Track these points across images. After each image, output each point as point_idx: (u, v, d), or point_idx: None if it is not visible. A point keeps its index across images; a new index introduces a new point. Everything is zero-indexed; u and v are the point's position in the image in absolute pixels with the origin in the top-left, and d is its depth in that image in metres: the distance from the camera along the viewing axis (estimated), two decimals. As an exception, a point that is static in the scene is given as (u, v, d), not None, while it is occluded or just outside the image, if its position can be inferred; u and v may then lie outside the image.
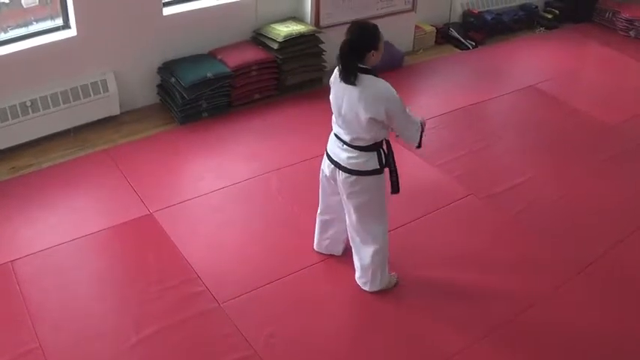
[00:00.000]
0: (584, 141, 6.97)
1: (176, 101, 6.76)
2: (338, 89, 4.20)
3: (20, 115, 6.07)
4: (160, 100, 7.12)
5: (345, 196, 4.46)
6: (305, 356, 4.32)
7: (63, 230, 5.24)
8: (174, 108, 6.82)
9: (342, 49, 4.10)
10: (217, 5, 7.20)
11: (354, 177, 4.30)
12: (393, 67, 8.29)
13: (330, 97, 4.30)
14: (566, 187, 6.15)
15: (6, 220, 5.31)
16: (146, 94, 7.06)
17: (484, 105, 7.63)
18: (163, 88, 7.02)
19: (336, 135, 4.36)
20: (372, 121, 4.09)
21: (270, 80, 7.38)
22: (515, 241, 5.43)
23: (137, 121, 6.84)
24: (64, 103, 6.31)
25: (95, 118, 6.62)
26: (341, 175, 4.36)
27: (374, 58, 4.08)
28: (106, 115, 6.70)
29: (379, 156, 4.29)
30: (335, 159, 4.36)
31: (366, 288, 4.76)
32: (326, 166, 4.51)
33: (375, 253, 4.57)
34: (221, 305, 4.62)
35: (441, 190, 6.01)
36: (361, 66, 4.06)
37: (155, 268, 4.95)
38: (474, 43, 9.24)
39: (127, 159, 6.17)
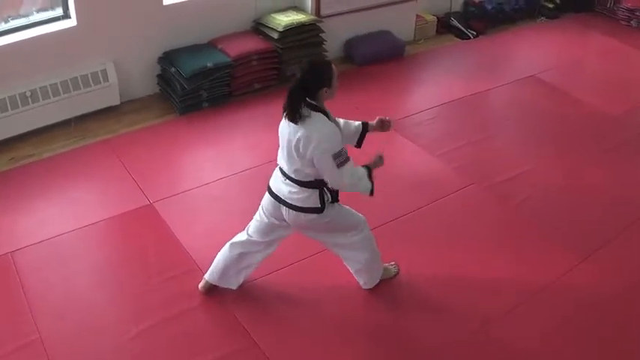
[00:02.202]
0: (586, 131, 6.95)
1: (176, 91, 6.75)
2: (284, 123, 4.04)
3: (20, 105, 6.06)
4: (160, 90, 7.11)
5: (305, 233, 4.40)
6: (304, 346, 4.32)
7: (63, 221, 5.24)
8: (175, 98, 6.80)
9: (291, 86, 3.92)
10: (217, -6, 7.19)
11: (299, 213, 4.15)
12: (394, 56, 8.29)
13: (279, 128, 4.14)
14: (567, 176, 6.14)
15: (6, 211, 5.31)
16: (146, 84, 7.05)
17: (485, 95, 7.61)
18: (163, 78, 7.00)
19: (280, 169, 4.22)
20: (308, 161, 3.97)
21: (271, 70, 7.36)
22: (516, 231, 5.42)
23: (137, 111, 6.83)
24: (64, 93, 6.29)
25: (95, 109, 6.62)
26: (285, 211, 4.19)
27: (327, 94, 3.92)
28: (106, 105, 6.69)
29: (321, 194, 4.11)
30: (277, 193, 4.18)
31: (367, 287, 4.73)
32: (267, 202, 4.31)
33: (363, 259, 4.53)
34: (221, 296, 4.61)
35: (441, 180, 5.99)
36: (311, 102, 3.89)
37: (155, 258, 4.95)
38: (475, 33, 9.21)
39: (127, 149, 6.17)
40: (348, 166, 3.95)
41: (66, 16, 6.32)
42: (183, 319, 4.43)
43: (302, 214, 4.13)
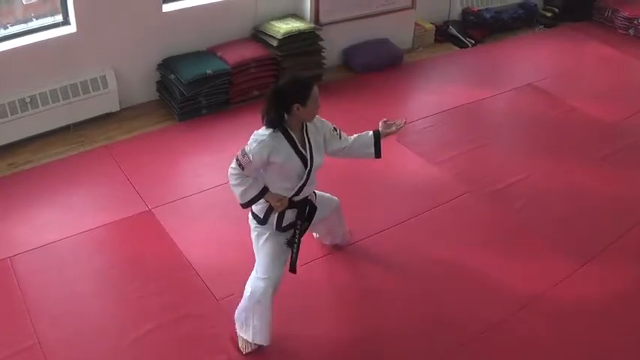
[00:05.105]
0: (583, 138, 6.98)
1: (175, 98, 6.76)
2: None
3: (19, 111, 6.08)
4: (160, 96, 7.12)
5: None
6: (306, 353, 4.33)
7: (62, 226, 5.25)
8: (174, 104, 6.82)
9: (267, 93, 3.90)
10: (217, 2, 7.19)
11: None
12: (392, 64, 8.31)
13: None
14: (565, 183, 6.16)
15: (5, 216, 5.32)
16: (145, 91, 7.06)
17: (483, 103, 7.63)
18: (163, 85, 7.02)
19: None
20: None
21: (270, 77, 7.36)
22: (514, 238, 5.44)
23: (136, 117, 6.84)
24: (63, 99, 6.31)
25: (95, 115, 6.63)
26: None
27: (299, 112, 3.80)
28: (106, 111, 6.71)
29: (269, 209, 4.11)
30: None
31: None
32: None
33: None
34: (219, 302, 4.63)
35: (440, 187, 6.01)
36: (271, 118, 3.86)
37: (153, 264, 4.96)
38: (473, 41, 9.24)
39: (126, 155, 6.18)
40: (241, 166, 3.92)
41: (66, 22, 6.34)
42: (181, 325, 4.43)
43: (250, 215, 4.25)
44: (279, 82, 3.90)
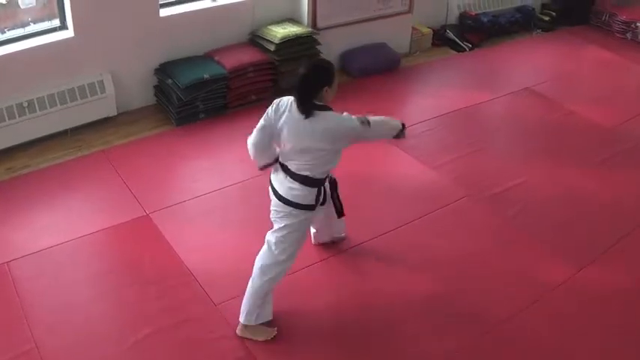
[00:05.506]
0: (581, 143, 6.98)
1: (173, 102, 6.76)
2: (292, 122, 4.05)
3: (17, 115, 6.07)
4: (157, 101, 7.11)
5: (273, 215, 4.37)
6: (303, 358, 4.32)
7: (59, 231, 5.23)
8: (171, 109, 6.81)
9: (296, 83, 4.01)
10: (214, 6, 7.20)
11: (288, 207, 4.22)
12: (389, 68, 8.31)
13: (283, 130, 4.12)
14: (562, 188, 6.16)
15: (2, 221, 5.31)
16: (143, 96, 7.05)
17: (481, 107, 7.64)
18: (160, 90, 7.01)
19: (281, 165, 4.26)
20: (331, 151, 4.09)
21: (267, 82, 7.37)
22: (512, 242, 5.44)
23: (134, 122, 6.83)
24: (61, 104, 6.30)
25: (92, 119, 6.62)
26: (275, 202, 4.29)
27: (327, 94, 4.02)
28: (103, 116, 6.70)
29: (318, 193, 4.21)
30: (277, 189, 4.27)
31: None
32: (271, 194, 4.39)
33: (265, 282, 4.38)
34: (217, 306, 4.62)
35: (438, 191, 6.00)
36: (316, 102, 3.98)
37: (151, 269, 4.94)
38: (470, 45, 9.25)
39: (124, 160, 6.16)
40: (372, 121, 4.13)
41: (63, 27, 6.34)
42: (180, 329, 4.43)
43: (294, 210, 4.21)
44: (304, 72, 4.02)
